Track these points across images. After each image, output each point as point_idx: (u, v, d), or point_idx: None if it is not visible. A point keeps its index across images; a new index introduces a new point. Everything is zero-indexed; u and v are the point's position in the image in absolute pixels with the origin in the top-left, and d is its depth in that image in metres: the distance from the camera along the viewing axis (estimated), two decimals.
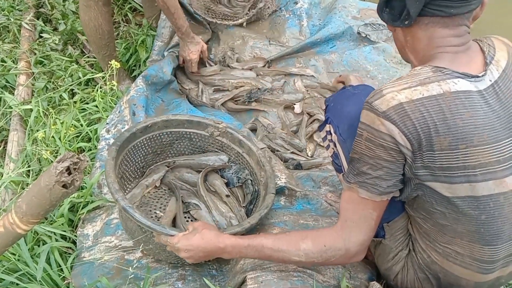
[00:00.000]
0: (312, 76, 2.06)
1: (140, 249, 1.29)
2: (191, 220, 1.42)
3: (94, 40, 1.88)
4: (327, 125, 1.26)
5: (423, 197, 1.00)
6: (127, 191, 1.46)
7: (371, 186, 0.98)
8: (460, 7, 0.93)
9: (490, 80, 0.95)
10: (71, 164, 0.88)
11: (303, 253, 1.02)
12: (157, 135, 1.50)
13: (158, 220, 1.40)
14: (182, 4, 2.08)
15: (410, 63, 1.07)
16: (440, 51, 0.97)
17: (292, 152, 1.77)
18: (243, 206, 1.46)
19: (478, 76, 0.95)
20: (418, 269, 1.11)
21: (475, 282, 1.04)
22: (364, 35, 2.08)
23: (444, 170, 0.93)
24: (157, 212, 1.43)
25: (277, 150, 1.77)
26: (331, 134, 1.25)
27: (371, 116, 0.94)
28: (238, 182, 1.51)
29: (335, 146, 1.24)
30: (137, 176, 1.52)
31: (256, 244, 1.05)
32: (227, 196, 1.47)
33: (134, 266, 1.20)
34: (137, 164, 1.50)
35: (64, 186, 0.90)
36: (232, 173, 1.53)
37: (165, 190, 1.52)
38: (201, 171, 1.53)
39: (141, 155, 1.50)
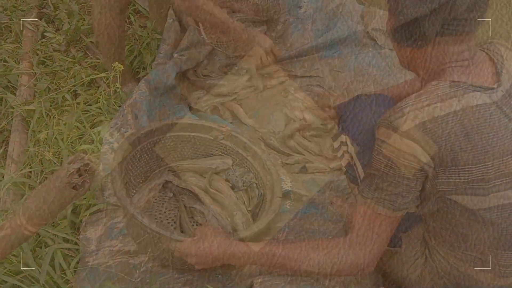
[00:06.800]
0: (318, 76, 2.05)
1: (147, 257, 1.27)
2: (196, 225, 1.41)
3: (105, 45, 1.88)
4: (343, 136, 1.25)
5: (444, 209, 1.00)
6: (131, 197, 1.44)
7: (388, 202, 0.97)
8: (475, 25, 0.93)
9: (502, 91, 0.95)
10: (81, 166, 0.87)
11: (316, 263, 1.02)
12: (161, 139, 1.49)
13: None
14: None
15: (416, 74, 1.06)
16: (452, 65, 0.97)
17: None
18: (249, 210, 1.45)
19: (493, 88, 0.94)
20: (436, 277, 1.11)
21: (495, 285, 1.04)
22: (372, 36, 2.09)
23: (468, 183, 0.93)
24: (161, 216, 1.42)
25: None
26: (346, 145, 1.23)
27: (392, 135, 0.93)
28: (243, 186, 1.50)
29: (351, 157, 1.22)
30: (141, 181, 1.50)
31: (267, 252, 1.05)
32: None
33: (140, 270, 1.18)
34: (141, 168, 1.48)
35: (74, 187, 0.89)
36: (237, 177, 1.52)
37: (169, 194, 1.50)
38: (205, 175, 1.52)
39: (145, 160, 1.48)
